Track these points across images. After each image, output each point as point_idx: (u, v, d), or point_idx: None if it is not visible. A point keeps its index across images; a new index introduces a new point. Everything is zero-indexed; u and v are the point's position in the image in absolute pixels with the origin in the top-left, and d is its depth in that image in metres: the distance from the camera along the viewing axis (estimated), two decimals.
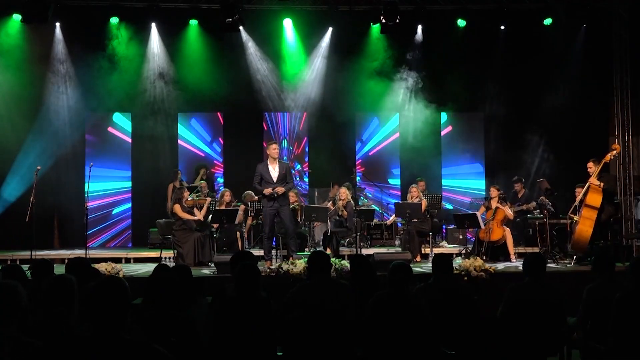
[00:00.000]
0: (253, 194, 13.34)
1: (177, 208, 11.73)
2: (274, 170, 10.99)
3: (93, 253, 12.52)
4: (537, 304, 5.80)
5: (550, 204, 12.42)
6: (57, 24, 14.42)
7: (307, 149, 15.75)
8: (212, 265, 10.98)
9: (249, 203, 13.04)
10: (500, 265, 11.04)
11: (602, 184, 10.96)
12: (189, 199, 11.99)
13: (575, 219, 11.17)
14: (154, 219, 13.30)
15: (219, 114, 15.65)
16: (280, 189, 10.86)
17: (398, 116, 15.64)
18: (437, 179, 15.61)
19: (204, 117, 15.80)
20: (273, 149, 11.13)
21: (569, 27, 14.61)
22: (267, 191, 10.85)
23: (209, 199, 12.42)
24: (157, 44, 14.80)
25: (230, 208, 12.33)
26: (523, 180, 14.17)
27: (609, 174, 12.32)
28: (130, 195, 15.35)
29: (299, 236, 12.30)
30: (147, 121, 14.81)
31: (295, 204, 12.91)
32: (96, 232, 14.96)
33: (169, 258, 12.02)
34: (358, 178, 15.22)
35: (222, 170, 15.65)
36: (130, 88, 14.55)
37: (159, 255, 12.14)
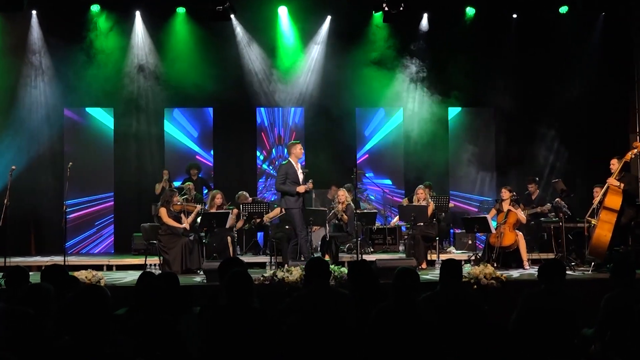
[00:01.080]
0: (247, 195, 13.37)
1: (163, 212, 11.67)
2: (298, 171, 11.25)
3: (72, 260, 12.46)
4: (552, 313, 5.79)
5: (567, 206, 12.38)
6: (34, 13, 14.40)
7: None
8: (201, 272, 10.96)
9: (241, 206, 13.03)
10: (512, 273, 11.03)
11: (622, 185, 10.94)
12: (177, 204, 11.92)
13: (593, 222, 11.15)
14: (138, 223, 13.29)
15: (208, 109, 15.65)
16: (310, 185, 11.26)
17: (402, 111, 15.64)
18: (443, 178, 15.59)
19: (192, 112, 15.79)
20: (300, 149, 11.43)
21: (586, 16, 14.65)
22: (302, 188, 11.12)
23: (198, 206, 12.33)
24: (141, 33, 14.79)
25: (221, 211, 12.29)
26: (537, 179, 14.15)
27: (630, 174, 12.30)
28: (112, 197, 15.33)
29: None
30: (131, 117, 14.82)
31: None
32: (76, 237, 14.94)
33: (155, 265, 11.99)
34: (368, 173, 15.33)
35: (212, 170, 15.63)
36: (111, 82, 14.50)
37: (143, 262, 12.10)
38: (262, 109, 15.72)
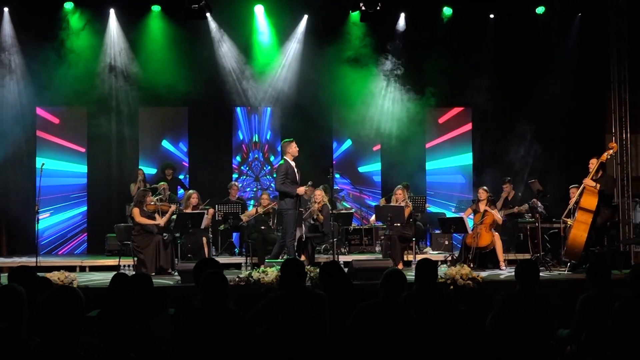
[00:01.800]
0: (238, 186, 13.60)
1: (136, 212, 11.57)
2: (296, 170, 11.17)
3: (44, 260, 12.38)
4: (528, 314, 5.83)
5: (543, 206, 12.47)
6: (6, 10, 14.25)
7: (279, 146, 15.71)
8: (175, 273, 10.90)
9: (217, 206, 13.03)
10: (489, 273, 11.08)
11: (598, 186, 11.01)
12: (151, 203, 11.85)
13: (569, 223, 11.22)
14: (112, 223, 13.21)
15: (183, 109, 15.57)
16: (308, 191, 11.46)
17: (377, 112, 15.61)
18: (420, 178, 15.64)
19: (168, 112, 15.71)
20: (295, 147, 11.25)
21: (563, 16, 14.76)
22: (302, 190, 11.15)
23: (173, 206, 12.27)
24: (115, 31, 14.68)
25: (196, 211, 12.22)
26: (511, 179, 14.20)
27: (607, 174, 12.39)
28: (86, 197, 15.22)
29: (271, 242, 12.27)
30: (105, 117, 14.69)
31: (269, 207, 12.88)
32: (48, 237, 14.83)
33: (129, 266, 11.92)
34: (337, 175, 15.33)
35: (187, 170, 15.56)
36: (85, 81, 14.34)
37: (117, 263, 12.04)
38: (238, 108, 15.68)
